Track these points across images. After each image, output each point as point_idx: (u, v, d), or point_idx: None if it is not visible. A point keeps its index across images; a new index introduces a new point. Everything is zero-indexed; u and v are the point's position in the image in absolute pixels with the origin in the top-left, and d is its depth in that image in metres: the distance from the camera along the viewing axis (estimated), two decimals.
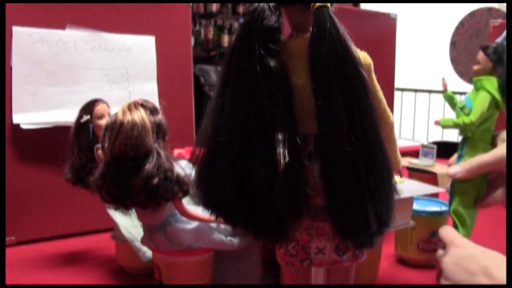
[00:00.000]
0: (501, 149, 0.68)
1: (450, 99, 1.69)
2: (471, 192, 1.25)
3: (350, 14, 2.84)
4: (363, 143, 0.68)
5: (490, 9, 4.45)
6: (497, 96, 1.45)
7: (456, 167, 0.76)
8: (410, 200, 1.34)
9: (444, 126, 1.58)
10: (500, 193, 0.76)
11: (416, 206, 1.51)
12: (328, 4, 0.70)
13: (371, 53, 0.82)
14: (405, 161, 2.43)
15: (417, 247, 1.58)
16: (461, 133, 1.56)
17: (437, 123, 1.62)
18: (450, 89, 1.59)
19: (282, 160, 0.71)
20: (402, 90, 4.26)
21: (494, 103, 1.48)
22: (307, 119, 0.73)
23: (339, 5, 0.83)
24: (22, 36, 1.81)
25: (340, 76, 0.67)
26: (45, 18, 1.85)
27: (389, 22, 2.91)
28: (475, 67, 1.58)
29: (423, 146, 2.52)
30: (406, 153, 2.71)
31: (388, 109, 0.87)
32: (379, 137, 0.70)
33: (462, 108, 1.54)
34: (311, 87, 0.70)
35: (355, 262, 0.82)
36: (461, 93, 1.58)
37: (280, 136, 0.71)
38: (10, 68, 1.79)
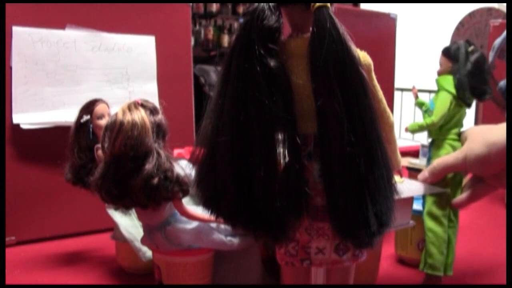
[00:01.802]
0: (462, 150, 0.68)
1: (421, 106, 1.71)
2: (444, 193, 1.27)
3: (350, 14, 2.84)
4: (363, 143, 0.68)
5: (490, 9, 4.45)
6: (455, 92, 1.46)
7: (425, 172, 0.76)
8: (410, 200, 1.34)
9: (412, 131, 1.61)
10: (469, 193, 0.76)
11: (416, 206, 1.51)
12: (328, 4, 0.70)
13: (371, 53, 0.82)
14: (405, 161, 2.43)
15: (417, 247, 1.58)
16: (428, 135, 1.58)
17: (406, 129, 1.65)
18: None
19: (282, 160, 0.71)
20: (402, 90, 4.26)
21: (457, 102, 1.49)
22: (307, 119, 0.73)
23: (339, 5, 0.83)
24: (22, 36, 1.81)
25: (340, 76, 0.67)
26: (45, 18, 1.85)
27: (389, 22, 2.91)
28: (438, 70, 1.61)
29: (423, 146, 2.53)
30: (406, 153, 2.71)
31: (388, 109, 0.87)
32: (379, 137, 0.70)
33: (426, 111, 1.56)
34: (311, 87, 0.70)
35: (355, 262, 0.82)
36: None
37: (280, 136, 0.71)
38: (10, 68, 1.80)
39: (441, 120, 1.44)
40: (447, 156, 0.71)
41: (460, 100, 1.47)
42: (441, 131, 1.47)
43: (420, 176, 0.74)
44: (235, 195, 0.72)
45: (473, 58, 1.49)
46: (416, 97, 1.73)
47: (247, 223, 0.74)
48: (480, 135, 0.67)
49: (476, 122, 3.30)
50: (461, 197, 0.75)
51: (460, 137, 0.76)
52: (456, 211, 1.47)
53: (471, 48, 1.50)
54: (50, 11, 1.86)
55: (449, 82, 1.48)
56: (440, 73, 1.55)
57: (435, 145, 1.49)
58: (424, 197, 1.46)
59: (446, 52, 1.52)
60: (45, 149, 1.84)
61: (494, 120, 0.75)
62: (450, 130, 1.47)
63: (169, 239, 1.20)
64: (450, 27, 4.56)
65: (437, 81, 1.52)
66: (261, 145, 0.69)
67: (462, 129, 1.45)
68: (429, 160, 1.52)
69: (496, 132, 0.65)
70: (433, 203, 1.43)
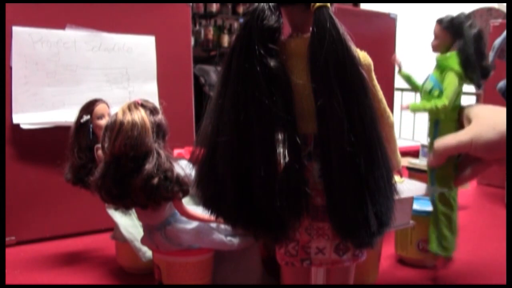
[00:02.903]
0: (467, 133, 0.66)
1: (407, 78, 1.63)
2: (450, 173, 1.25)
3: (350, 14, 2.84)
4: (363, 143, 0.68)
5: (490, 9, 4.45)
6: (461, 71, 1.42)
7: (431, 156, 0.74)
8: (410, 200, 1.34)
9: (414, 111, 1.54)
10: (468, 172, 0.74)
11: (416, 206, 1.51)
12: (328, 4, 0.70)
13: (371, 53, 0.82)
14: (405, 161, 2.43)
15: (417, 247, 1.58)
16: (431, 116, 1.51)
17: (405, 107, 1.56)
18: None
19: (282, 160, 0.71)
20: (402, 90, 4.26)
21: (462, 81, 1.44)
22: (307, 119, 0.73)
23: (339, 5, 0.83)
24: (22, 36, 1.81)
25: (340, 76, 0.67)
26: (45, 18, 1.85)
27: (389, 22, 2.91)
28: (434, 42, 1.52)
29: (423, 146, 2.53)
30: (406, 153, 2.71)
31: (388, 109, 0.87)
32: (379, 137, 0.70)
33: (430, 91, 1.49)
34: (311, 87, 0.70)
35: (355, 262, 0.82)
36: (464, 93, 1.55)
37: (280, 136, 0.71)
38: (10, 68, 1.79)
39: (452, 102, 1.40)
40: (448, 138, 0.68)
41: (469, 80, 1.42)
42: (448, 111, 1.43)
43: (429, 161, 0.72)
44: (235, 195, 0.72)
45: (475, 33, 1.42)
46: (400, 68, 1.65)
47: (247, 223, 0.74)
48: (488, 118, 0.65)
49: None
50: (462, 175, 0.74)
51: (460, 114, 0.74)
52: (455, 196, 1.47)
53: (470, 22, 1.43)
54: (50, 11, 1.86)
55: (454, 61, 1.41)
56: (436, 47, 1.48)
57: (442, 126, 1.43)
58: (432, 181, 1.44)
59: (448, 26, 1.44)
60: (45, 149, 1.84)
61: None
62: (455, 110, 1.43)
63: (169, 239, 1.20)
64: None
65: (440, 60, 1.43)
66: (261, 145, 0.69)
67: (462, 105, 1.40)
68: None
69: (505, 117, 0.63)
70: (445, 187, 1.42)
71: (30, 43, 1.81)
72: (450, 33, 1.44)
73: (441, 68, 1.44)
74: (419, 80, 1.64)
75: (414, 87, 1.63)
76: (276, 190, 0.69)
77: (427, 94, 1.47)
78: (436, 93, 1.43)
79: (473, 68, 1.39)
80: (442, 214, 1.42)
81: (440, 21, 1.47)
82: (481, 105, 0.71)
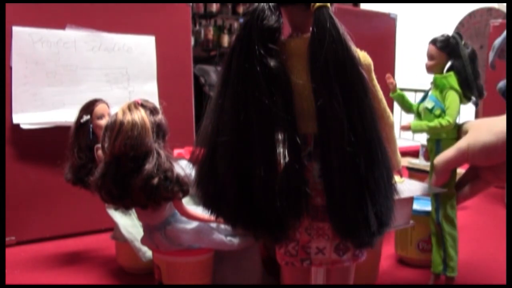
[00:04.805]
0: (464, 141, 0.66)
1: (401, 98, 1.63)
2: (453, 191, 1.26)
3: (350, 14, 2.84)
4: (363, 143, 0.68)
5: (490, 9, 4.45)
6: (460, 90, 1.43)
7: (434, 176, 0.74)
8: (410, 200, 1.34)
9: (416, 131, 1.51)
10: (466, 190, 0.74)
11: (416, 206, 1.51)
12: (328, 4, 0.70)
13: (371, 53, 0.82)
14: (405, 161, 2.43)
15: (417, 247, 1.58)
16: (432, 136, 1.50)
17: (405, 128, 1.54)
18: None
19: (282, 160, 0.71)
20: (402, 90, 4.27)
21: (462, 100, 1.46)
22: (307, 119, 0.73)
23: (339, 5, 0.83)
24: (22, 36, 1.81)
25: (340, 76, 0.67)
26: (45, 18, 1.85)
27: (389, 22, 2.91)
28: (430, 63, 1.52)
29: (423, 146, 2.52)
30: (406, 153, 2.71)
31: (388, 109, 0.87)
32: (379, 137, 0.70)
33: (431, 110, 1.49)
34: (311, 87, 0.70)
35: (355, 262, 0.82)
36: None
37: (280, 136, 0.71)
38: (10, 68, 1.79)
39: (455, 119, 1.41)
40: (445, 152, 0.69)
41: (467, 99, 1.43)
42: (449, 130, 1.44)
43: (433, 181, 0.73)
44: (235, 195, 0.72)
45: (469, 53, 1.44)
46: (395, 89, 1.63)
47: (247, 223, 0.74)
48: (484, 125, 0.66)
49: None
50: (462, 194, 0.74)
51: (459, 131, 0.74)
52: (455, 214, 1.47)
53: (463, 42, 1.44)
54: (50, 11, 1.86)
55: (453, 80, 1.42)
56: (432, 67, 1.48)
57: (444, 144, 1.44)
58: (437, 201, 1.43)
59: (443, 46, 1.44)
60: (45, 149, 1.84)
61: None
62: (455, 128, 1.43)
63: (169, 239, 1.20)
64: (450, 27, 4.56)
65: (439, 80, 1.45)
66: (261, 145, 0.69)
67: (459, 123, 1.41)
68: None
69: (502, 122, 0.63)
70: (450, 206, 1.41)
71: (30, 43, 1.81)
72: (446, 53, 1.45)
73: (440, 87, 1.45)
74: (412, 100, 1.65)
75: (407, 107, 1.62)
76: (276, 190, 0.69)
77: (428, 114, 1.46)
78: (437, 112, 1.43)
79: (471, 88, 1.41)
80: (448, 235, 1.41)
81: (434, 42, 1.47)
82: (476, 119, 0.72)
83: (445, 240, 1.41)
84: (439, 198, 1.42)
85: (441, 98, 1.44)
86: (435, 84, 1.46)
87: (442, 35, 1.47)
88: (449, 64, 1.46)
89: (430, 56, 1.48)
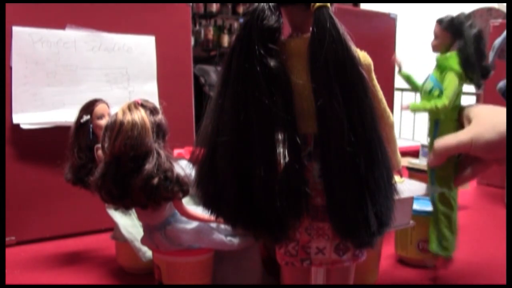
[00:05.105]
0: (467, 133, 0.66)
1: (407, 78, 1.63)
2: (450, 173, 1.25)
3: (350, 14, 2.84)
4: (363, 143, 0.68)
5: (490, 9, 4.45)
6: (461, 71, 1.42)
7: (431, 155, 0.74)
8: (410, 200, 1.34)
9: (414, 111, 1.54)
10: (468, 172, 0.74)
11: (416, 206, 1.51)
12: (328, 4, 0.70)
13: (371, 53, 0.82)
14: (405, 161, 2.43)
15: (417, 247, 1.58)
16: (431, 116, 1.51)
17: (405, 107, 1.55)
18: None
19: (282, 160, 0.71)
20: (402, 90, 4.26)
21: (462, 81, 1.45)
22: (307, 119, 0.73)
23: (339, 5, 0.83)
24: (22, 36, 1.81)
25: (340, 76, 0.67)
26: (45, 18, 1.85)
27: (389, 22, 2.91)
28: (434, 42, 1.52)
29: (423, 146, 2.52)
30: (406, 153, 2.71)
31: (388, 109, 0.87)
32: (379, 137, 0.70)
33: (430, 91, 1.49)
34: (311, 87, 0.70)
35: (355, 262, 0.82)
36: (463, 93, 1.54)
37: (280, 136, 0.71)
38: (10, 68, 1.79)
39: (452, 101, 1.41)
40: (448, 137, 0.68)
41: (469, 80, 1.43)
42: (448, 111, 1.44)
43: (429, 160, 0.72)
44: (235, 195, 0.72)
45: (475, 33, 1.42)
46: (400, 68, 1.64)
47: (247, 223, 0.74)
48: (488, 118, 0.65)
49: None
50: (462, 175, 0.74)
51: (460, 114, 0.74)
52: (455, 196, 1.47)
53: (470, 22, 1.43)
54: (50, 11, 1.86)
55: (454, 60, 1.41)
56: (437, 47, 1.48)
57: (442, 126, 1.44)
58: (432, 180, 1.44)
59: (448, 26, 1.44)
60: (45, 149, 1.84)
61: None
62: (455, 109, 1.43)
63: (169, 239, 1.20)
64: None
65: (440, 61, 1.43)
66: (261, 145, 0.69)
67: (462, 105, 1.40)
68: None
69: (505, 117, 0.63)
70: (447, 187, 1.42)
71: (30, 43, 1.81)
72: (450, 33, 1.44)
73: (441, 68, 1.44)
74: (419, 80, 1.64)
75: (414, 87, 1.63)
76: (276, 190, 0.69)
77: (427, 94, 1.47)
78: (436, 93, 1.43)
79: (473, 68, 1.40)
80: (442, 214, 1.42)
81: (440, 21, 1.47)
82: (481, 105, 0.70)
83: (439, 219, 1.42)
84: (434, 178, 1.42)
85: (440, 79, 1.44)
86: (437, 64, 1.47)
87: (447, 16, 1.47)
88: (453, 43, 1.46)
89: (435, 35, 1.49)
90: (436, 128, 1.45)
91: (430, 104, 1.42)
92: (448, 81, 1.41)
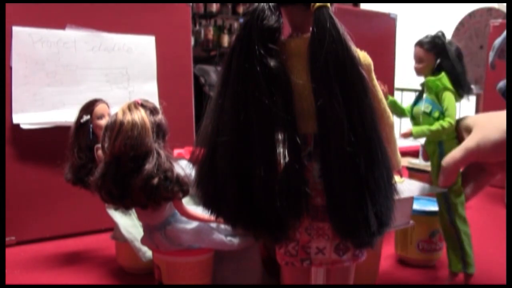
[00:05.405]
0: (472, 140, 0.66)
1: (393, 104, 1.62)
2: (462, 189, 1.25)
3: (350, 14, 2.84)
4: (363, 143, 0.68)
5: (490, 9, 4.45)
6: (454, 90, 1.42)
7: (441, 177, 0.73)
8: (410, 200, 1.34)
9: (418, 136, 1.47)
10: (472, 186, 0.75)
11: (416, 206, 1.51)
12: (328, 4, 0.70)
13: (371, 53, 0.82)
14: (405, 161, 2.43)
15: (417, 247, 1.59)
16: (433, 139, 1.48)
17: (406, 135, 1.51)
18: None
19: (282, 160, 0.71)
20: (402, 90, 4.26)
21: (455, 97, 1.46)
22: (307, 119, 0.73)
23: (339, 5, 0.83)
24: (22, 36, 1.81)
25: (340, 76, 0.67)
26: (45, 18, 1.85)
27: (389, 22, 2.91)
28: (419, 66, 1.49)
29: (423, 146, 2.52)
30: (406, 153, 2.71)
31: (388, 109, 0.87)
32: (379, 137, 0.70)
33: (430, 113, 1.48)
34: (311, 87, 0.70)
35: (355, 262, 0.82)
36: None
37: (280, 136, 0.71)
38: (10, 68, 1.80)
39: (455, 119, 1.40)
40: (452, 153, 0.69)
41: (461, 98, 1.44)
42: (450, 130, 1.43)
43: (441, 182, 0.72)
44: (235, 195, 0.72)
45: (456, 49, 1.43)
46: (386, 95, 1.61)
47: (247, 223, 0.74)
48: (489, 121, 0.66)
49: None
50: (470, 191, 0.74)
51: (457, 128, 0.74)
52: (464, 210, 1.47)
53: (448, 40, 1.43)
54: (50, 11, 1.86)
55: (446, 80, 1.42)
56: (422, 70, 1.47)
57: (447, 145, 1.43)
58: (447, 201, 1.42)
59: (431, 47, 1.43)
60: (45, 149, 1.84)
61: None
62: (454, 127, 1.43)
63: (169, 239, 1.20)
64: (450, 27, 4.56)
65: (432, 82, 1.44)
66: (261, 145, 0.69)
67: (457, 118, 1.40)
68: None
69: (504, 118, 0.63)
70: (461, 205, 1.41)
71: (30, 43, 1.81)
72: (434, 54, 1.44)
73: (434, 89, 1.44)
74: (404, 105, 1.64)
75: (399, 112, 1.61)
76: (276, 190, 0.69)
77: (427, 117, 1.45)
78: (436, 114, 1.42)
79: (464, 86, 1.41)
80: (464, 234, 1.42)
81: (421, 44, 1.46)
82: (475, 115, 0.71)
83: (462, 239, 1.41)
84: (449, 199, 1.41)
85: (437, 100, 1.44)
86: (428, 87, 1.45)
87: (427, 36, 1.46)
88: (437, 63, 1.45)
89: (419, 59, 1.47)
90: (441, 149, 1.44)
91: (436, 126, 1.40)
92: (447, 100, 1.41)
